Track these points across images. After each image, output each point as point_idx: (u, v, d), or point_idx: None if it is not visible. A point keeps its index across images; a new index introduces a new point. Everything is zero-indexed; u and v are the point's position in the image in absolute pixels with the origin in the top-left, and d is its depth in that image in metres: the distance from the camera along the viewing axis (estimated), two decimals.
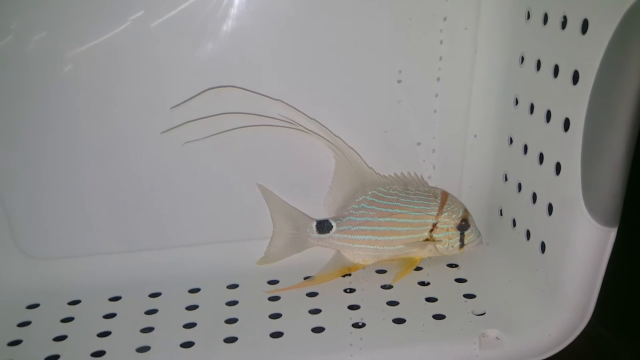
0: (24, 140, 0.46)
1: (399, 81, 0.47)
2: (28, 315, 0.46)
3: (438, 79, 0.47)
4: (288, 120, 0.47)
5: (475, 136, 0.49)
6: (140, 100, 0.46)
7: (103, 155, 0.47)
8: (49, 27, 0.42)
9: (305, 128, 0.47)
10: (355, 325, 0.43)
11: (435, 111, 0.48)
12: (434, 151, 0.50)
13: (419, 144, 0.50)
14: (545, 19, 0.41)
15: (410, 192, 0.48)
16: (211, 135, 0.46)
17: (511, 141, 0.47)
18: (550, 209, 0.41)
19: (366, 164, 0.48)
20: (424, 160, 0.50)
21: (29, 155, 0.47)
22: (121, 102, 0.46)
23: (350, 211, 0.48)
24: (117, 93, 0.46)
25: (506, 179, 0.49)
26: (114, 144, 0.47)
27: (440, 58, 0.47)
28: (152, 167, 0.48)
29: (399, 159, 0.50)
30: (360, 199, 0.48)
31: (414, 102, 0.48)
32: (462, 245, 0.48)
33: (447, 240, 0.47)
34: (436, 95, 0.48)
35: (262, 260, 0.49)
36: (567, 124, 0.38)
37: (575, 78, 0.37)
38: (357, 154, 0.48)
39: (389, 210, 0.47)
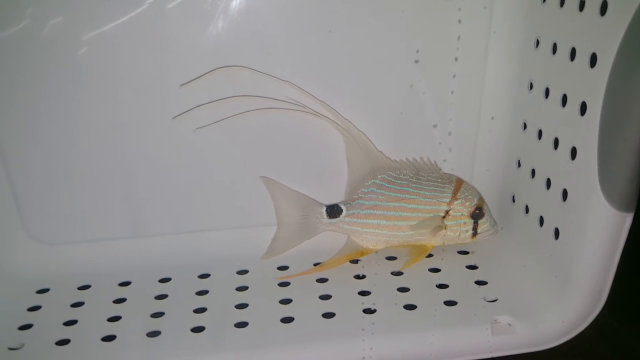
0: (36, 124, 0.46)
1: (416, 61, 0.47)
2: (38, 299, 0.46)
3: (456, 59, 0.46)
4: (296, 103, 0.46)
5: (492, 118, 0.49)
6: (152, 84, 0.46)
7: (114, 139, 0.47)
8: (64, 11, 0.42)
9: (313, 110, 0.47)
10: (367, 311, 0.42)
11: (452, 92, 0.47)
12: (450, 134, 0.49)
13: (435, 126, 0.49)
14: (563, 1, 0.40)
15: (422, 177, 0.47)
16: (220, 120, 0.46)
17: (525, 126, 0.47)
18: (565, 194, 0.41)
19: (376, 148, 0.48)
20: (440, 143, 0.49)
21: (40, 140, 0.46)
22: (133, 86, 0.45)
23: (360, 195, 0.48)
24: (129, 77, 0.45)
25: (519, 165, 0.48)
26: (126, 128, 0.47)
27: (459, 37, 0.46)
28: (162, 151, 0.48)
29: (415, 142, 0.49)
30: (369, 182, 0.48)
31: (431, 82, 0.48)
32: (474, 234, 0.47)
33: (459, 228, 0.47)
34: (454, 76, 0.47)
35: (265, 255, 0.49)
36: (583, 108, 0.38)
37: (593, 61, 0.36)
38: (367, 137, 0.47)
39: (399, 195, 0.47)
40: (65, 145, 0.47)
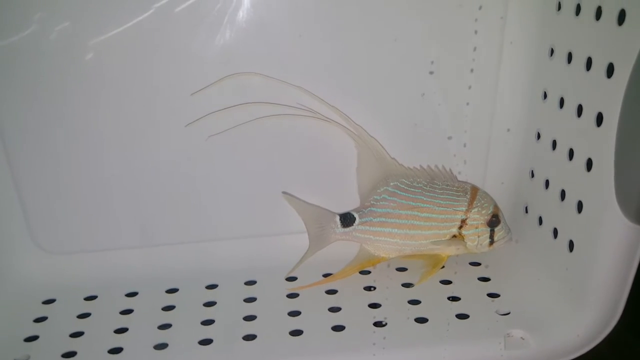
0: (43, 132, 0.45)
1: (431, 72, 0.46)
2: (44, 310, 0.45)
3: (472, 70, 0.46)
4: (308, 109, 0.46)
5: (508, 130, 0.48)
6: (161, 91, 0.45)
7: (122, 147, 0.47)
8: (72, 16, 0.42)
9: (325, 117, 0.46)
10: (377, 324, 0.42)
11: (468, 104, 0.47)
12: (465, 145, 0.48)
13: (450, 138, 0.48)
14: (578, 10, 0.39)
15: (437, 186, 0.46)
16: (231, 128, 0.45)
17: (539, 136, 0.46)
18: (580, 206, 0.40)
19: (389, 154, 0.47)
20: (454, 155, 0.49)
21: (47, 148, 0.46)
22: (142, 93, 0.45)
23: (372, 202, 0.47)
24: (138, 83, 0.45)
25: (533, 175, 0.48)
26: (134, 136, 0.46)
27: (475, 49, 0.45)
28: (172, 160, 0.48)
29: (429, 154, 0.48)
30: (381, 189, 0.47)
31: (446, 94, 0.47)
32: (491, 242, 0.46)
33: (477, 237, 0.46)
34: (469, 87, 0.46)
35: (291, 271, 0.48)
36: (599, 119, 0.37)
37: (610, 71, 0.36)
38: (379, 144, 0.47)
39: (411, 203, 0.46)
40: (73, 154, 0.46)
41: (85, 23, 0.42)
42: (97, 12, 0.42)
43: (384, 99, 0.47)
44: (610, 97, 0.35)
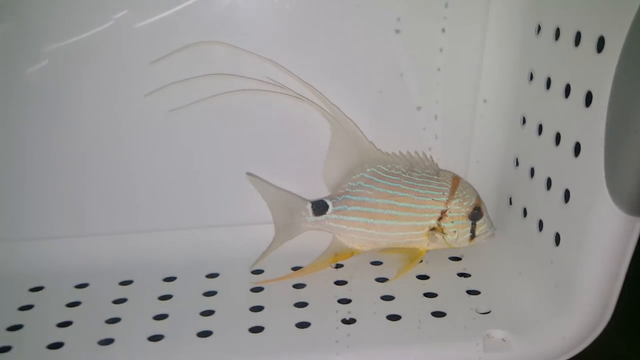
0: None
1: (397, 31, 0.42)
2: (31, 298, 0.42)
3: (443, 30, 0.42)
4: (278, 84, 0.43)
5: (485, 101, 0.44)
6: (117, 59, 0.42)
7: (101, 136, 0.44)
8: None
9: (297, 94, 0.43)
10: (345, 322, 0.39)
11: (439, 69, 0.43)
12: (436, 117, 0.44)
13: (418, 108, 0.44)
14: None
15: (416, 173, 0.44)
16: (193, 103, 0.42)
17: (524, 121, 0.43)
18: (567, 195, 0.37)
19: (366, 138, 0.44)
20: (424, 128, 0.45)
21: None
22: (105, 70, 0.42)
23: (347, 189, 0.44)
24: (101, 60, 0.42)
25: (517, 164, 0.45)
26: (86, 109, 0.43)
27: (446, 5, 0.41)
28: (130, 140, 0.45)
29: (395, 126, 0.45)
30: (357, 176, 0.44)
31: (414, 57, 0.43)
32: (472, 236, 0.44)
33: (457, 230, 0.43)
34: (440, 50, 0.42)
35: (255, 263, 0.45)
36: (589, 99, 0.34)
37: (600, 46, 0.33)
38: (356, 126, 0.43)
39: (389, 191, 0.43)
40: (49, 149, 0.44)
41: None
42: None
43: (343, 61, 0.44)
44: (599, 75, 0.33)
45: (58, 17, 0.40)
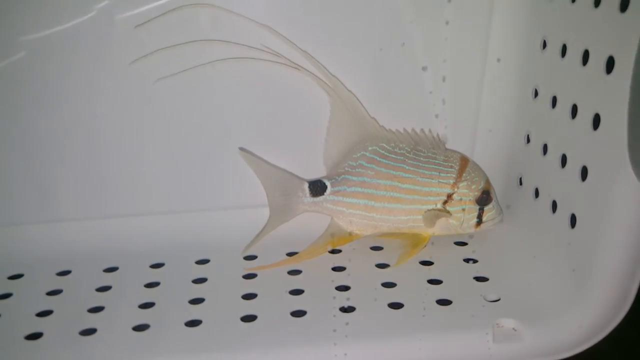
0: None
1: None
2: (9, 286, 0.40)
3: None
4: (274, 53, 0.40)
5: (498, 60, 0.40)
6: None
7: (79, 116, 0.42)
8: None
9: (294, 64, 0.40)
10: (343, 309, 0.36)
11: (447, 23, 0.39)
12: (444, 80, 0.41)
13: (424, 68, 0.41)
14: None
15: (422, 153, 0.41)
16: (182, 72, 0.40)
17: (536, 93, 0.40)
18: (584, 173, 0.35)
19: (368, 113, 0.41)
20: (430, 92, 0.42)
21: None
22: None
23: (347, 169, 0.42)
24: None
25: (528, 140, 0.42)
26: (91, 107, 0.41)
27: None
28: (111, 119, 0.42)
29: (398, 89, 0.42)
30: (358, 155, 0.42)
31: (419, 10, 0.40)
32: (479, 222, 0.41)
33: (463, 215, 0.41)
34: (449, 1, 0.39)
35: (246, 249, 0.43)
36: (609, 66, 0.32)
37: (624, 6, 0.30)
38: (358, 100, 0.41)
39: (392, 172, 0.41)
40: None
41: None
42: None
43: (341, 15, 0.40)
44: (621, 38, 0.30)
45: None
